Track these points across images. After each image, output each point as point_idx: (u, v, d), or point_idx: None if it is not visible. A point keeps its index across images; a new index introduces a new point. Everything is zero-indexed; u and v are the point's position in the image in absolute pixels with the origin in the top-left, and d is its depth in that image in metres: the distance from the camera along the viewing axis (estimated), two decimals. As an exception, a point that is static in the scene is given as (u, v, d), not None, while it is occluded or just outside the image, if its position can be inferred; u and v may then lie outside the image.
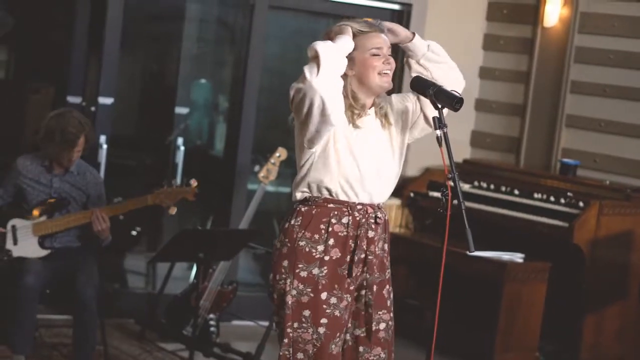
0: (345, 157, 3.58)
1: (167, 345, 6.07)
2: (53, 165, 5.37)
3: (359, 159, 3.60)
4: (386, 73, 3.60)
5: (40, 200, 5.32)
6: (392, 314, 3.77)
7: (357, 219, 3.62)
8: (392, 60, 3.61)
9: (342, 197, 3.60)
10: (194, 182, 5.37)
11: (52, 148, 5.28)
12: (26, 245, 5.25)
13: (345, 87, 3.52)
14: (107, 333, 5.59)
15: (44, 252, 5.27)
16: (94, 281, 5.16)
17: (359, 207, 3.63)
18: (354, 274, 3.62)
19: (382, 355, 3.72)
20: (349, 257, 3.61)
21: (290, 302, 3.59)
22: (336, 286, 3.60)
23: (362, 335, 3.70)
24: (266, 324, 5.80)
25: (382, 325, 3.72)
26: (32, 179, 5.35)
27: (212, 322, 6.00)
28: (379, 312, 3.71)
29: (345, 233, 3.60)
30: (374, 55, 3.58)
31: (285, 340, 3.61)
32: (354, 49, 3.54)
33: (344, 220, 3.60)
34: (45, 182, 5.36)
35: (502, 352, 6.02)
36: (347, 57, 3.49)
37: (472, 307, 6.25)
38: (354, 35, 3.57)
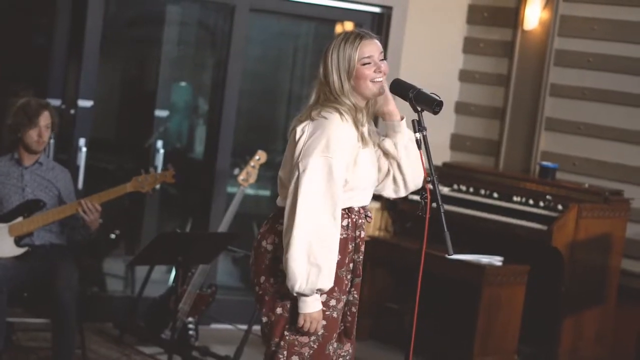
0: (363, 178, 3.62)
1: (146, 349, 6.06)
2: (22, 156, 5.38)
3: (372, 174, 3.65)
4: (378, 81, 3.61)
5: (13, 197, 5.30)
6: None
7: (355, 220, 3.64)
8: (384, 65, 3.62)
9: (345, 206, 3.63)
10: (171, 167, 5.44)
11: (21, 128, 5.31)
12: (1, 245, 5.22)
13: (346, 97, 3.57)
14: (85, 337, 5.57)
15: (20, 251, 5.23)
16: (72, 284, 5.14)
17: (355, 208, 3.64)
18: (358, 274, 3.65)
19: (350, 351, 3.75)
20: (347, 258, 3.62)
21: (288, 305, 3.58)
22: (336, 288, 3.60)
23: (339, 331, 3.70)
24: (245, 327, 5.79)
25: (355, 323, 3.74)
26: (2, 174, 5.34)
27: (191, 326, 5.98)
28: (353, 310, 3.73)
29: (345, 235, 3.61)
30: (365, 64, 3.59)
31: (281, 343, 3.59)
32: (350, 60, 3.57)
33: (344, 222, 3.61)
34: (16, 175, 5.35)
35: (480, 355, 6.02)
36: (345, 69, 3.56)
37: (451, 310, 6.26)
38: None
